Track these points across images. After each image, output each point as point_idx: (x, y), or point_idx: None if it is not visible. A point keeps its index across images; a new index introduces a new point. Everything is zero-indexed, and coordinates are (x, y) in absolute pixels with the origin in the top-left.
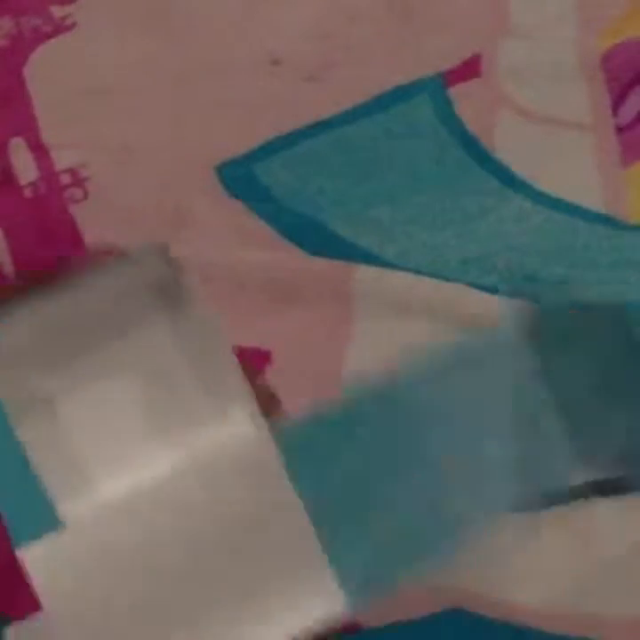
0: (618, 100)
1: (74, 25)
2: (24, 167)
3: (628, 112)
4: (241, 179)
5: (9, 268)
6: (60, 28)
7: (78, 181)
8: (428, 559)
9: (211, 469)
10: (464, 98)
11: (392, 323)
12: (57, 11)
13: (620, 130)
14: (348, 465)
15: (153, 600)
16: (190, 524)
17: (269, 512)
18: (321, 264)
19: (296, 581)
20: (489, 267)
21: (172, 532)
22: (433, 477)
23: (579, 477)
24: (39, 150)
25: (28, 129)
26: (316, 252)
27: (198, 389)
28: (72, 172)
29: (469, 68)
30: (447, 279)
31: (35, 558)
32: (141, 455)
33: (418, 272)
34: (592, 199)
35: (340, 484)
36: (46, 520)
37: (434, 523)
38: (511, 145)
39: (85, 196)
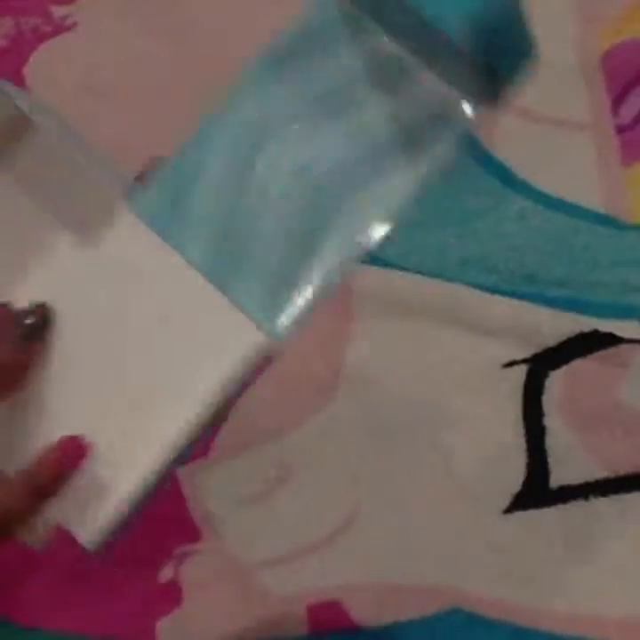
0: (618, 100)
1: (74, 25)
2: None
3: (627, 112)
4: None
5: None
6: (60, 28)
7: None
8: (327, 274)
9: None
10: None
11: (392, 323)
12: (57, 11)
13: (620, 130)
14: (204, 204)
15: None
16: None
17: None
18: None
19: (210, 330)
20: (489, 267)
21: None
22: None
23: None
24: None
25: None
26: None
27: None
28: None
29: None
30: (447, 279)
31: None
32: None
33: (418, 272)
34: (592, 199)
35: (209, 229)
36: None
37: (323, 233)
38: (511, 145)
39: None
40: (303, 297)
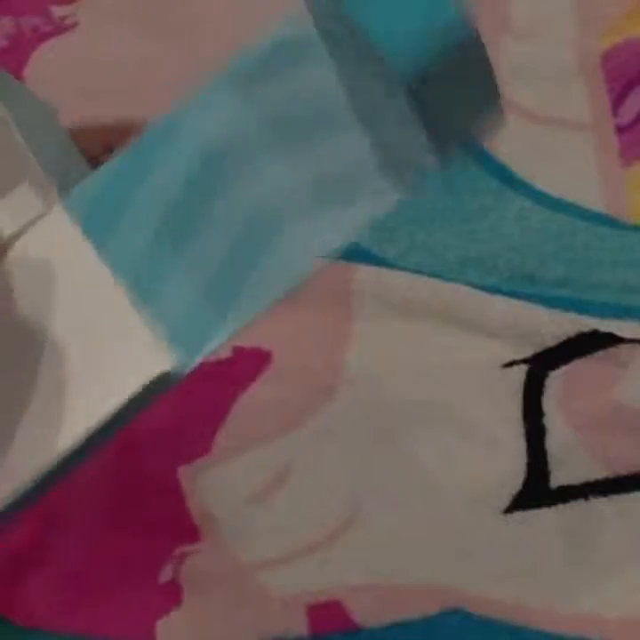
0: (618, 100)
1: (74, 25)
2: None
3: (627, 112)
4: None
5: None
6: (60, 28)
7: None
8: (255, 302)
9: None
10: None
11: (392, 323)
12: (57, 11)
13: (620, 130)
14: (144, 209)
15: None
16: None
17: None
18: (321, 264)
19: (115, 347)
20: (489, 267)
21: None
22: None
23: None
24: None
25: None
26: None
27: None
28: None
29: None
30: (447, 279)
31: None
32: None
33: (418, 272)
34: (592, 199)
35: (142, 233)
36: None
37: (253, 262)
38: (511, 145)
39: None
40: (228, 321)
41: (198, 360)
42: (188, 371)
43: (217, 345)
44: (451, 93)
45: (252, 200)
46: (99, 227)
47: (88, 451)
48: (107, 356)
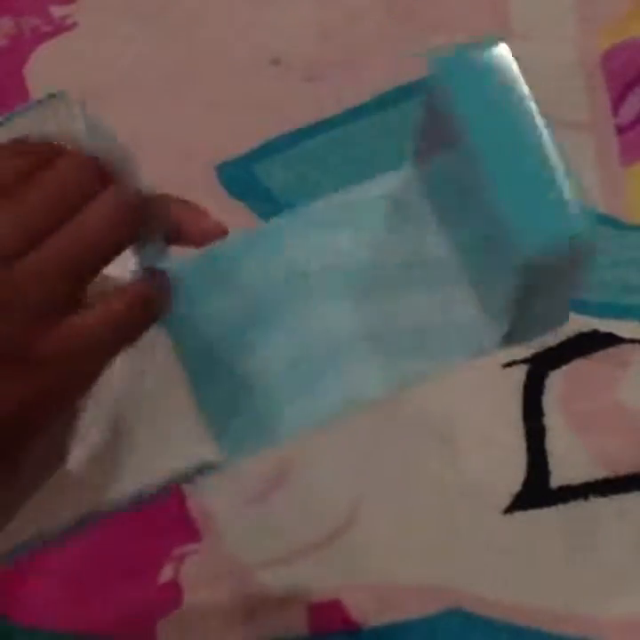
0: (618, 100)
1: (74, 25)
2: None
3: (627, 112)
4: (241, 179)
5: None
6: (60, 28)
7: None
8: (293, 411)
9: None
10: None
11: None
12: (57, 11)
13: (620, 130)
14: (218, 311)
15: None
16: None
17: (143, 359)
18: None
19: (166, 427)
20: None
21: None
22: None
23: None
24: None
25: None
26: None
27: None
28: None
29: None
30: None
31: None
32: None
33: None
34: (592, 199)
35: (210, 331)
36: None
37: (296, 378)
38: None
39: None
40: (274, 434)
41: (239, 460)
42: (227, 467)
43: (260, 451)
44: (549, 287)
45: (316, 330)
46: (177, 309)
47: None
48: (160, 434)
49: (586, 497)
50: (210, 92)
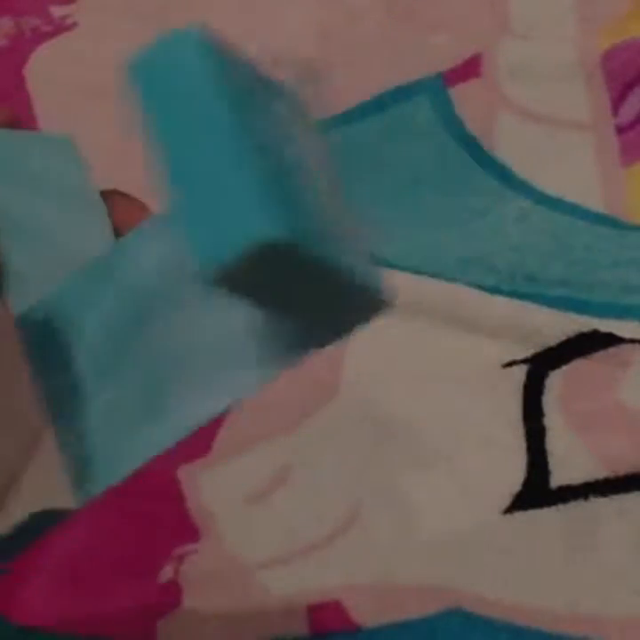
0: (618, 100)
1: (74, 25)
2: None
3: (627, 112)
4: None
5: None
6: (60, 28)
7: None
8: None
9: None
10: (464, 98)
11: (392, 323)
12: (57, 11)
13: (620, 130)
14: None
15: None
16: None
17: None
18: None
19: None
20: (489, 267)
21: None
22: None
23: None
24: None
25: (28, 129)
26: None
27: None
28: None
29: (469, 68)
30: (447, 279)
31: None
32: None
33: (418, 272)
34: (592, 199)
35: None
36: None
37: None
38: (511, 145)
39: None
40: (129, 458)
41: (100, 491)
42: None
43: (118, 480)
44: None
45: (161, 349)
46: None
47: None
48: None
49: (586, 497)
50: None
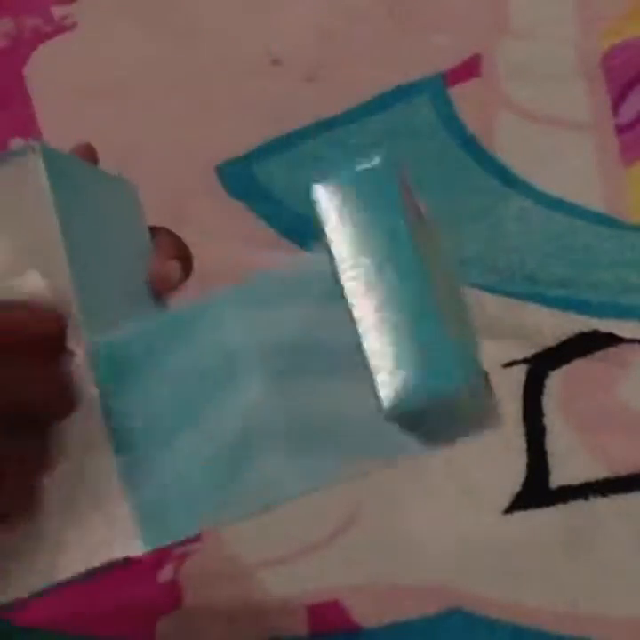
0: (618, 100)
1: (74, 25)
2: None
3: (627, 112)
4: (241, 179)
5: None
6: (59, 28)
7: None
8: (228, 501)
9: None
10: (464, 98)
11: None
12: (57, 11)
13: (620, 130)
14: (157, 389)
15: None
16: None
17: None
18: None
19: (91, 512)
20: (489, 267)
21: None
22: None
23: None
24: None
25: (28, 129)
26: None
27: None
28: None
29: (469, 68)
30: None
31: None
32: None
33: None
34: (592, 199)
35: (148, 409)
36: None
37: (235, 465)
38: (511, 145)
39: None
40: (198, 521)
41: (162, 546)
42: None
43: (183, 538)
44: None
45: (239, 418)
46: (115, 382)
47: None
48: (86, 523)
49: (586, 497)
50: (210, 92)
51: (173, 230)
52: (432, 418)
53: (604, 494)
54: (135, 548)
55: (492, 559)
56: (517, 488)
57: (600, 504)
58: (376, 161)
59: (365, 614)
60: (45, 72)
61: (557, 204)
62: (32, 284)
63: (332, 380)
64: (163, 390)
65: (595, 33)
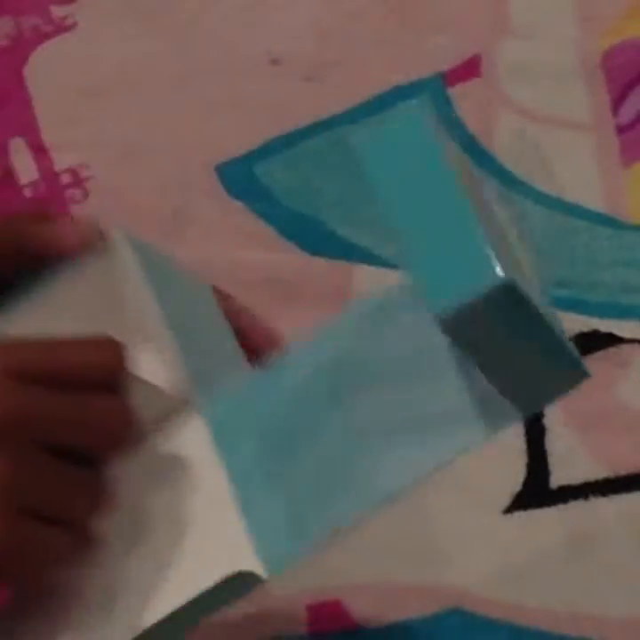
0: (618, 100)
1: (74, 25)
2: (24, 167)
3: (627, 112)
4: (241, 179)
5: None
6: (60, 28)
7: (79, 181)
8: (341, 518)
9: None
10: (464, 98)
11: None
12: (57, 11)
13: (620, 130)
14: (267, 424)
15: None
16: None
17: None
18: (321, 264)
19: (212, 545)
20: None
21: None
22: (347, 435)
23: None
24: (39, 150)
25: (28, 129)
26: (315, 251)
27: None
28: (72, 171)
29: (469, 68)
30: None
31: None
32: None
33: None
34: (592, 199)
35: (259, 443)
36: None
37: (345, 480)
38: (511, 145)
39: (86, 196)
40: (313, 537)
41: (282, 570)
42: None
43: (298, 561)
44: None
45: (349, 427)
46: (226, 434)
47: (173, 628)
48: (205, 548)
49: (586, 497)
50: (210, 91)
51: (173, 230)
52: (490, 324)
53: (604, 494)
54: (254, 564)
55: (492, 559)
56: (517, 488)
57: (600, 504)
58: (412, 103)
59: (365, 614)
60: (45, 72)
61: (557, 204)
62: (145, 362)
63: (420, 385)
64: (273, 421)
65: (595, 33)
